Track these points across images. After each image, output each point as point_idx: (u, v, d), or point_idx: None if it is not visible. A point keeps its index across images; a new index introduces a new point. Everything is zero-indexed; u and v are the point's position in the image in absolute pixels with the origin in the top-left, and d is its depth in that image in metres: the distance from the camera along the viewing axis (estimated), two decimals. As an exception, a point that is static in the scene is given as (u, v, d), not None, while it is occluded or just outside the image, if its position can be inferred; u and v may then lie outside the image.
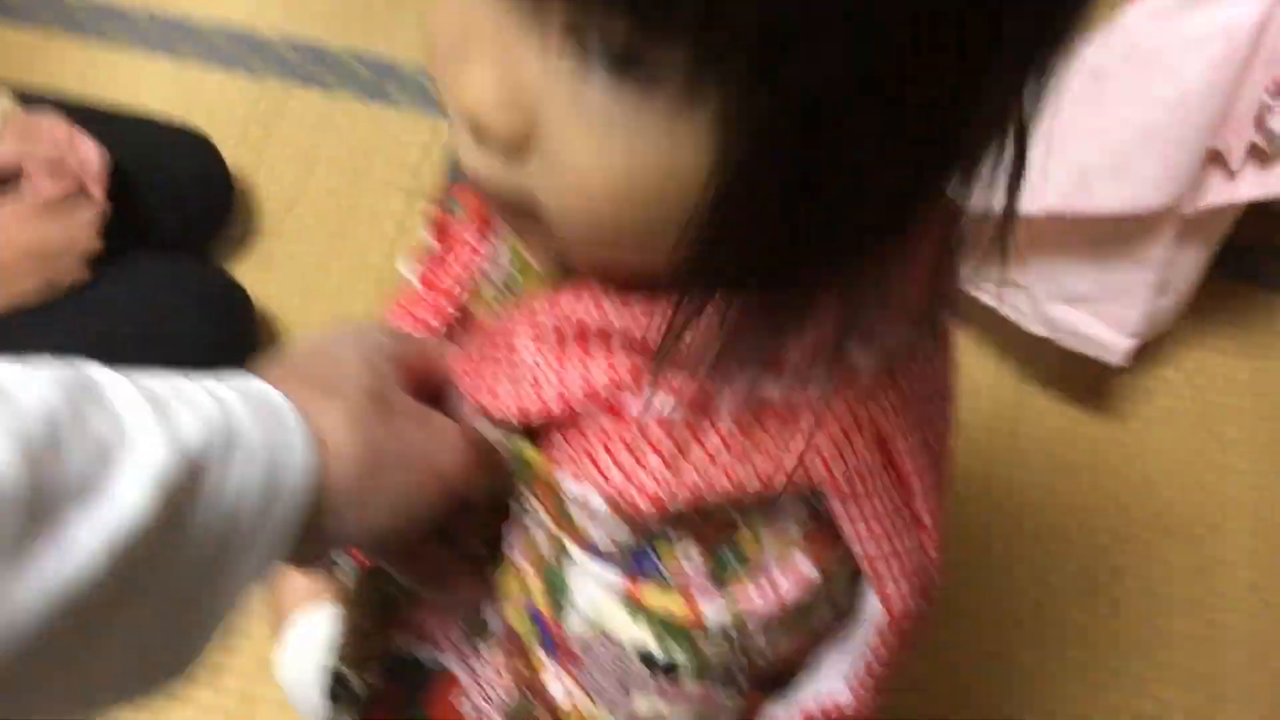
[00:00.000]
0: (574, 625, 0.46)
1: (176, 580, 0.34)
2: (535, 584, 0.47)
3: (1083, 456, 1.41)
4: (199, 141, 1.42)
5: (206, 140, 1.43)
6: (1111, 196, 1.11)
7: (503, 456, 0.47)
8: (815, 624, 0.48)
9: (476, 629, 0.53)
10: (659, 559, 0.44)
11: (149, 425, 0.32)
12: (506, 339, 0.45)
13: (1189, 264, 1.25)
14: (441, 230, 0.55)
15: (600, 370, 0.42)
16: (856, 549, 0.44)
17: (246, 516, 0.35)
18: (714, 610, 0.44)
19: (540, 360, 0.43)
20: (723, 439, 0.41)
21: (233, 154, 1.47)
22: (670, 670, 0.45)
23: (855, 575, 0.47)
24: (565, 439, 0.44)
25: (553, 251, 0.41)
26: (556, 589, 0.46)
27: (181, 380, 0.36)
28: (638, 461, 0.41)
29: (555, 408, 0.43)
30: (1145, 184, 1.10)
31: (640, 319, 0.40)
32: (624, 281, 0.41)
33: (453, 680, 0.54)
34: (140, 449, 0.32)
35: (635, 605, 0.44)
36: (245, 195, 1.54)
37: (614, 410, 0.42)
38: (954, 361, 0.49)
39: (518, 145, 0.35)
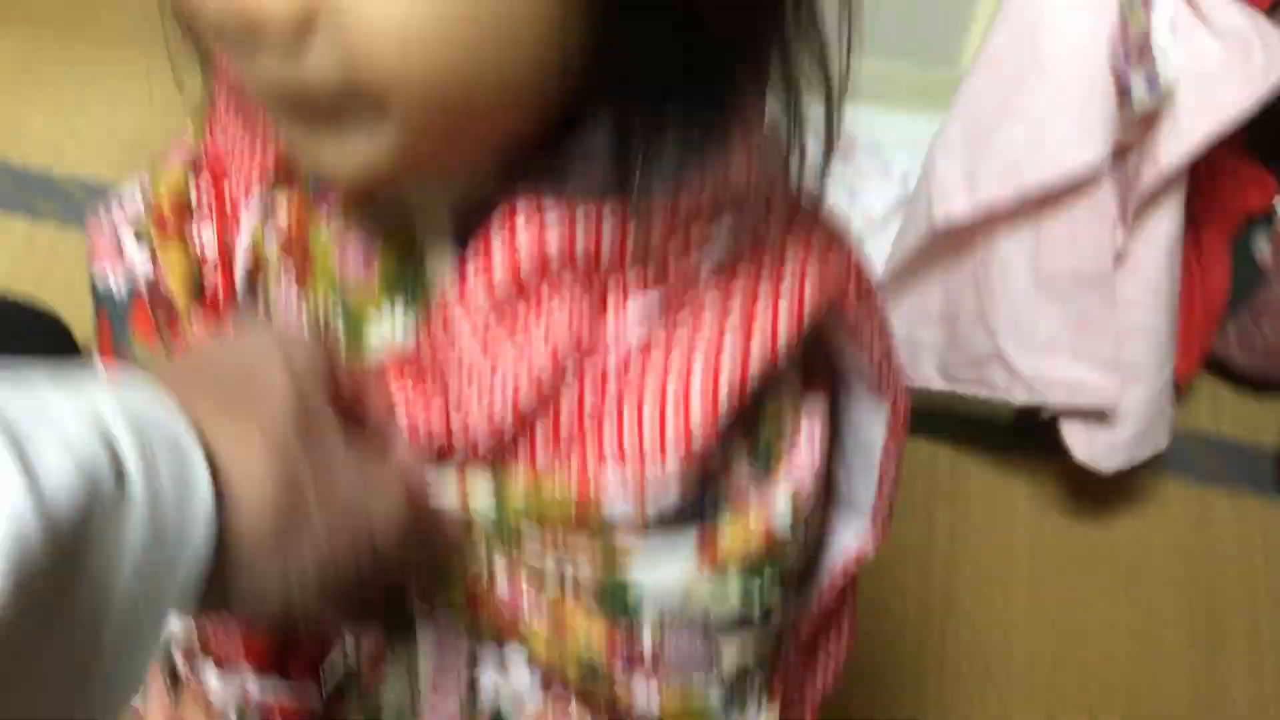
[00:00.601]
0: (649, 629, 0.43)
1: (37, 677, 0.26)
2: (583, 628, 0.43)
3: (1015, 647, 1.33)
4: (50, 328, 1.26)
5: (60, 326, 1.27)
6: (1038, 167, 1.10)
7: (444, 514, 0.41)
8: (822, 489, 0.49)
9: None
10: (721, 483, 0.42)
11: (5, 471, 0.24)
12: (444, 346, 0.39)
13: (1149, 298, 1.19)
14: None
15: (562, 315, 0.38)
16: (865, 356, 0.46)
17: (127, 587, 0.27)
18: (779, 503, 0.42)
19: (495, 339, 0.39)
20: (728, 298, 0.40)
21: (88, 327, 1.33)
22: (765, 616, 0.44)
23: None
24: (575, 431, 0.40)
25: (405, 152, 0.35)
26: (621, 604, 0.42)
27: (50, 393, 0.27)
28: (684, 371, 0.39)
29: (546, 375, 0.39)
30: (1066, 144, 1.10)
31: (590, 219, 0.37)
32: (494, 159, 0.37)
33: None
34: None
35: (715, 562, 0.42)
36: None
37: (598, 351, 0.39)
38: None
39: (304, 23, 0.31)
